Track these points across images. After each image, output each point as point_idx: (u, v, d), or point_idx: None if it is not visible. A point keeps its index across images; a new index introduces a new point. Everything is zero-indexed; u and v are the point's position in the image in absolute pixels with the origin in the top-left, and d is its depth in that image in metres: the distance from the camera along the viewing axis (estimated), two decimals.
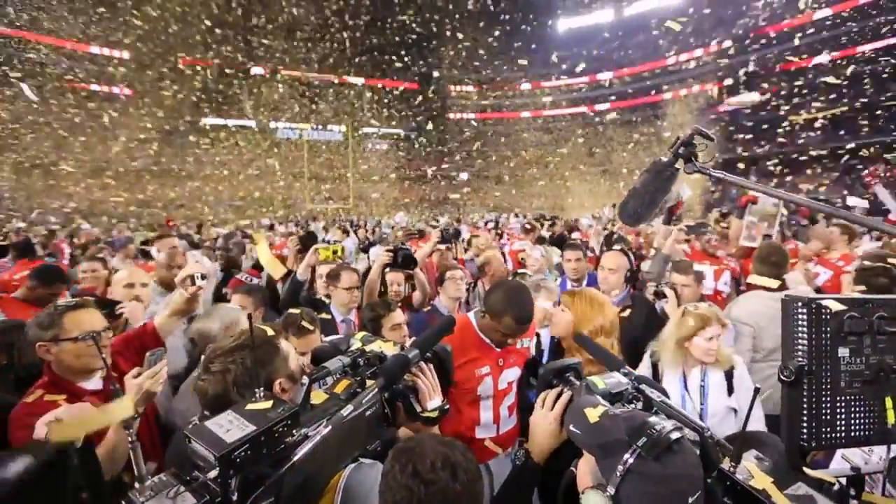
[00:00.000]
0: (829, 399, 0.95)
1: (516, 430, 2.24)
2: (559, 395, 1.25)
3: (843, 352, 0.96)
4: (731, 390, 2.29)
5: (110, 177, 27.51)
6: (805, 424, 0.95)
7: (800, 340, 0.96)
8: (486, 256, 4.08)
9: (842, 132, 26.67)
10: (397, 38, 41.16)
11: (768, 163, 28.53)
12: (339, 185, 35.44)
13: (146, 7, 29.50)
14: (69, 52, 29.05)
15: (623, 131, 36.42)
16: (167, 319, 2.05)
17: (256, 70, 37.21)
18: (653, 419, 1.01)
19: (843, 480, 1.13)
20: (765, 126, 29.44)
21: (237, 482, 0.84)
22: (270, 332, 1.28)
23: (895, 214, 4.33)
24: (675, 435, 0.96)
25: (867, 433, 0.97)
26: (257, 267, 4.46)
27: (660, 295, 2.88)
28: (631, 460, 0.95)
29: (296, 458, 0.89)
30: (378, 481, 1.06)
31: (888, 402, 0.96)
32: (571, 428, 1.07)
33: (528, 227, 7.32)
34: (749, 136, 30.19)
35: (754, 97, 27.61)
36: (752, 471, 0.94)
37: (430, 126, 42.79)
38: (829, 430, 0.96)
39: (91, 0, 28.92)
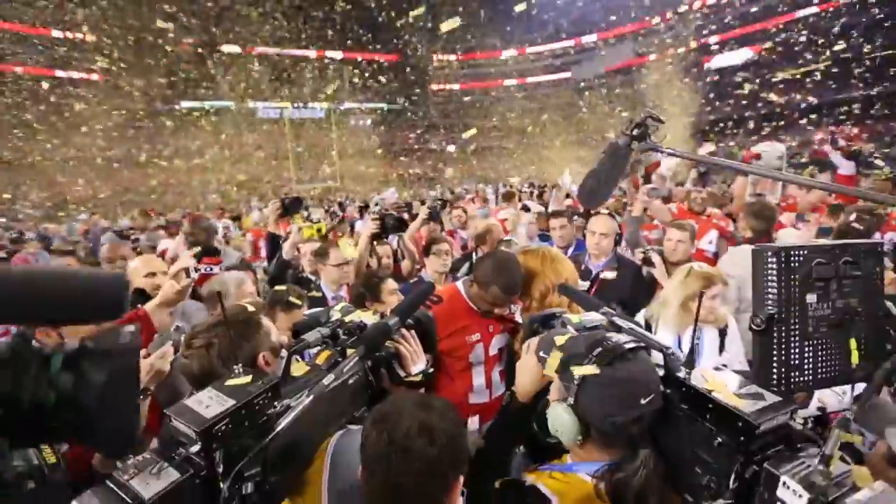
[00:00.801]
0: (797, 345, 0.98)
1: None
2: None
3: (811, 298, 0.99)
4: (722, 348, 2.34)
5: (85, 168, 26.64)
6: (775, 370, 0.98)
7: (770, 289, 0.98)
8: (486, 226, 4.05)
9: (833, 85, 26.53)
10: (376, 10, 39.69)
11: (752, 123, 28.49)
12: (324, 163, 34.83)
13: None
14: (24, 36, 27.58)
15: (607, 96, 35.98)
16: (155, 308, 2.08)
17: (231, 48, 35.80)
18: (612, 335, 1.10)
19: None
20: (756, 83, 29.18)
21: (221, 455, 0.85)
22: (251, 307, 1.28)
23: (844, 170, 4.38)
24: (629, 346, 1.05)
25: (832, 374, 1.01)
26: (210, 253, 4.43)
27: (648, 262, 2.88)
28: (586, 369, 1.03)
29: (279, 428, 0.91)
30: None
31: (852, 343, 0.99)
32: (541, 354, 1.16)
33: (506, 194, 7.32)
34: (737, 95, 29.97)
35: (743, 55, 27.34)
36: (706, 375, 0.99)
37: (412, 99, 41.92)
38: (797, 374, 0.99)
39: None
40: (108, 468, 1.21)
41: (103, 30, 29.17)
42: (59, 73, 27.96)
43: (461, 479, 0.96)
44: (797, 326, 0.98)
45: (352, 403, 1.13)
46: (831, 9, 27.00)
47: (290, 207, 4.27)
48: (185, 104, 33.95)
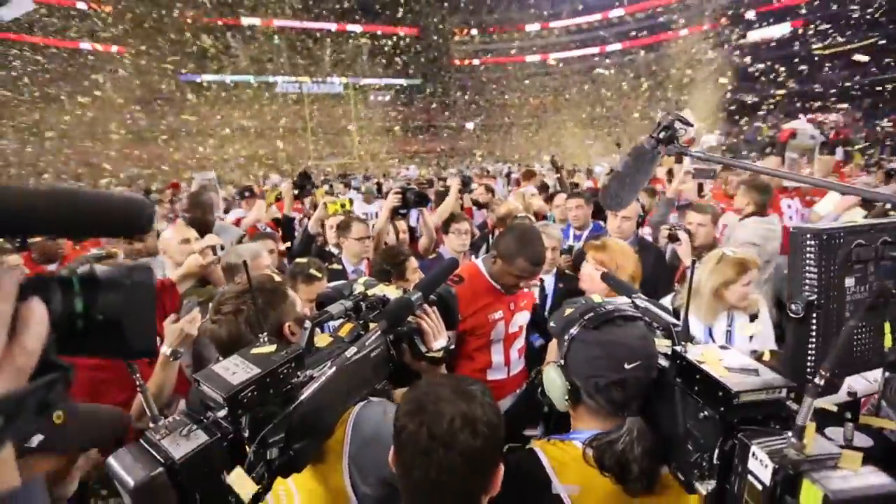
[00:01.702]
0: (835, 332, 0.93)
1: (525, 373, 2.29)
2: None
3: (850, 282, 0.94)
4: (752, 335, 2.27)
5: (109, 139, 27.07)
6: (811, 359, 0.94)
7: (809, 274, 0.93)
8: (507, 208, 4.05)
9: (871, 66, 25.13)
10: None
11: (788, 101, 27.23)
12: (342, 139, 34.75)
13: None
14: (54, 7, 27.81)
15: (633, 74, 34.74)
16: (179, 278, 2.19)
17: (251, 21, 35.53)
18: (610, 304, 1.11)
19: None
20: (795, 60, 27.75)
21: (247, 420, 0.87)
22: (276, 276, 1.29)
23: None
24: (622, 313, 1.06)
25: (866, 358, 0.97)
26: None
27: (673, 238, 2.81)
28: (575, 331, 1.07)
29: (303, 397, 0.92)
30: (384, 417, 1.10)
31: (887, 326, 0.95)
32: (551, 325, 1.19)
33: (526, 173, 7.23)
34: (771, 72, 28.58)
35: (783, 29, 25.90)
36: (704, 350, 0.98)
37: (432, 74, 41.19)
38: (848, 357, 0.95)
39: None
40: (144, 424, 1.27)
41: (125, 3, 29.23)
42: (83, 46, 28.21)
43: (501, 465, 0.94)
44: (836, 313, 0.94)
45: (374, 376, 1.14)
46: None
47: (302, 187, 4.29)
48: (206, 77, 34.04)
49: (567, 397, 1.07)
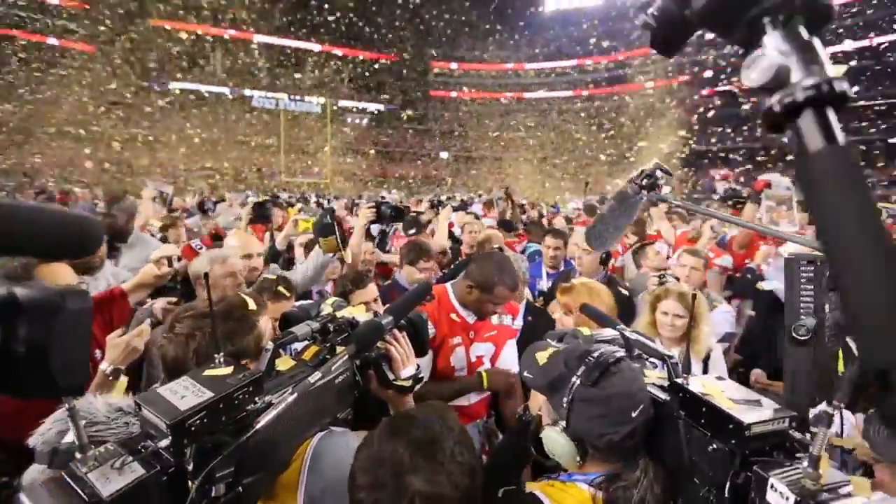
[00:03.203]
0: (824, 353, 0.99)
1: (485, 402, 2.25)
2: None
3: (828, 306, 1.00)
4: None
5: (74, 140, 25.77)
6: (811, 382, 0.99)
7: (805, 298, 0.99)
8: (486, 234, 4.11)
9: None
10: (381, 10, 39.79)
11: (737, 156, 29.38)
12: (315, 158, 34.49)
13: None
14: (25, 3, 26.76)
15: (601, 119, 36.67)
16: (132, 288, 2.06)
17: (231, 32, 35.32)
18: (594, 347, 1.08)
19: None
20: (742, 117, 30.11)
21: (192, 451, 0.78)
22: (252, 304, 1.20)
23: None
24: (612, 358, 1.03)
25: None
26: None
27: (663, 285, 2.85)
28: (573, 390, 1.01)
29: (259, 426, 0.83)
30: (347, 450, 1.01)
31: (839, 353, 1.01)
32: (525, 374, 1.15)
33: (487, 203, 7.48)
34: (732, 125, 30.86)
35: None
36: (703, 382, 0.98)
37: (410, 102, 41.99)
38: (831, 383, 1.00)
39: None
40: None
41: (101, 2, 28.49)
42: (52, 41, 27.12)
43: None
44: (823, 335, 0.99)
45: (337, 404, 1.06)
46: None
47: (261, 213, 4.16)
48: (177, 85, 33.27)
49: (579, 459, 1.03)
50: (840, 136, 0.33)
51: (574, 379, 1.02)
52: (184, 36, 32.63)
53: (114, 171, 24.88)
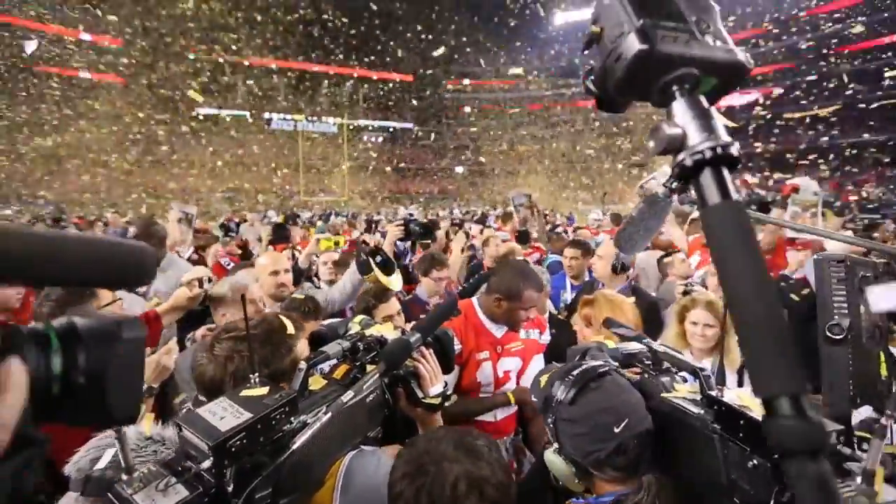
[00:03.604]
0: (862, 354, 0.95)
1: (512, 418, 2.22)
2: None
3: (863, 307, 0.96)
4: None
5: (105, 166, 27.03)
6: (853, 382, 0.95)
7: (838, 298, 0.96)
8: (508, 247, 4.13)
9: (835, 130, 26.96)
10: (393, 32, 40.77)
11: (762, 161, 28.74)
12: (333, 177, 35.18)
13: None
14: (56, 37, 28.35)
15: (614, 128, 36.51)
16: (166, 311, 2.10)
17: (252, 59, 36.64)
18: (578, 364, 1.06)
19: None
20: (760, 123, 29.55)
21: (232, 472, 0.79)
22: (291, 328, 1.22)
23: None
24: (594, 372, 1.00)
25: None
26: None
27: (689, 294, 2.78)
28: (556, 410, 1.00)
29: (295, 447, 0.84)
30: (380, 470, 1.02)
31: (881, 355, 0.97)
32: (532, 397, 1.14)
33: (505, 216, 7.43)
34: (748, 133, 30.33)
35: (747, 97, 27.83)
36: (739, 394, 0.93)
37: (424, 119, 42.62)
38: (872, 386, 0.95)
39: None
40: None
41: (127, 34, 29.99)
42: (84, 75, 28.58)
43: None
44: (860, 335, 0.95)
45: (368, 422, 1.07)
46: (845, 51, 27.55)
47: (280, 233, 4.24)
48: (203, 111, 34.57)
49: (577, 479, 1.01)
50: (734, 193, 0.38)
51: (555, 397, 1.00)
52: (206, 64, 33.97)
53: (142, 196, 25.91)
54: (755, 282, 0.36)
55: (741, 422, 0.88)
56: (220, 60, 34.76)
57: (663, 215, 1.21)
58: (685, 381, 1.10)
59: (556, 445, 1.01)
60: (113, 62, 29.61)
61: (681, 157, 0.39)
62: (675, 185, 1.19)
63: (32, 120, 25.85)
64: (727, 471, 0.90)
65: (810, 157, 26.60)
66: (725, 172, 0.38)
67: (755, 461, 0.84)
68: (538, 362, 2.24)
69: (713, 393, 0.95)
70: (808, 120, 27.38)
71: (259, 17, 34.86)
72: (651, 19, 0.41)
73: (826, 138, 27.30)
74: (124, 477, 0.75)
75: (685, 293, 2.74)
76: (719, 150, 0.38)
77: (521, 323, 2.07)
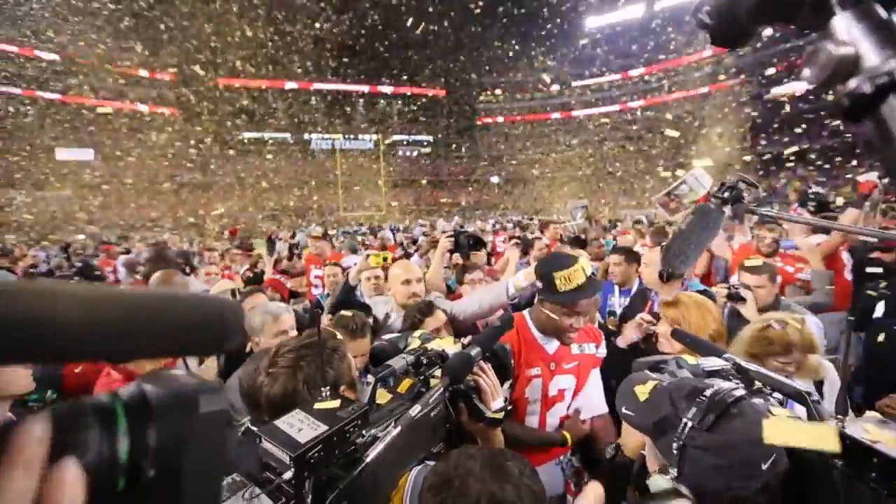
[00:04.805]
0: None
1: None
2: None
3: None
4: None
5: (158, 193, 29.06)
6: None
7: None
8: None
9: None
10: (424, 47, 41.67)
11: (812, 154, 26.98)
12: (371, 192, 36.09)
13: (187, 30, 31.28)
14: (119, 75, 30.99)
15: (655, 130, 35.45)
16: None
17: (290, 85, 38.48)
18: (705, 384, 0.94)
19: None
20: (811, 116, 27.80)
21: (310, 484, 0.82)
22: (339, 335, 1.26)
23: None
24: (730, 398, 0.88)
25: None
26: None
27: (734, 297, 2.56)
28: (684, 435, 0.87)
29: (367, 460, 0.86)
30: None
31: None
32: (623, 410, 1.02)
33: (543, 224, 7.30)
34: (798, 128, 28.58)
35: (802, 85, 26.21)
36: (867, 428, 0.81)
37: (459, 131, 43.08)
38: None
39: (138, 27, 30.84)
40: None
41: (181, 70, 32.36)
42: (140, 107, 31.09)
43: None
44: None
45: (432, 437, 1.07)
46: None
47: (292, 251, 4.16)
48: (247, 135, 36.57)
49: None
50: None
51: (685, 421, 0.88)
52: (249, 91, 36.06)
53: (194, 217, 27.60)
54: None
55: (874, 459, 0.76)
56: (262, 86, 36.75)
57: (716, 227, 1.15)
58: (782, 405, 0.98)
59: (673, 472, 0.89)
60: (165, 96, 32.03)
61: (853, 83, 0.31)
62: (726, 195, 1.14)
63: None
64: None
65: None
66: None
67: None
68: (595, 378, 2.11)
69: (832, 423, 0.83)
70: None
71: (292, 42, 36.66)
72: None
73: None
74: None
75: (729, 297, 2.56)
76: None
77: (568, 331, 1.88)
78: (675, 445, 0.88)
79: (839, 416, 0.84)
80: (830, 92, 0.33)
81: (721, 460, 0.85)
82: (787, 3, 0.35)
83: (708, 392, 0.90)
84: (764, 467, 0.83)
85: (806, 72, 0.33)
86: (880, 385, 2.52)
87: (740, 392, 0.90)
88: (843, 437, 0.81)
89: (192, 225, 26.32)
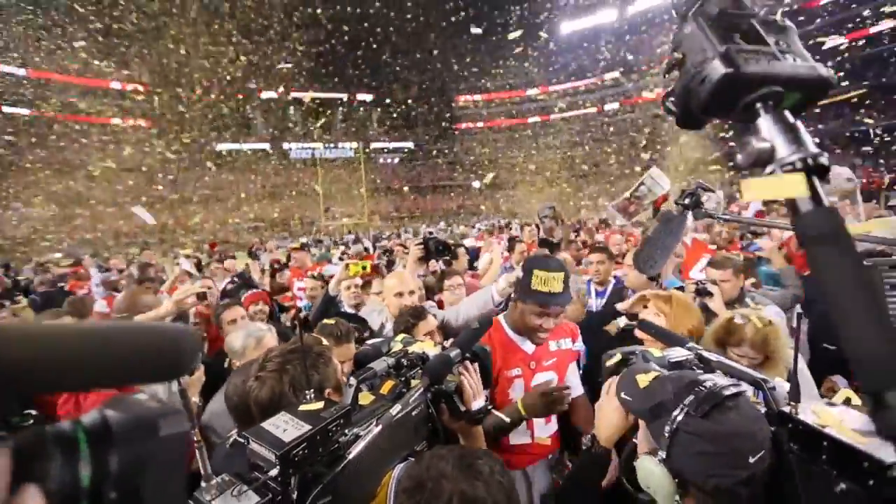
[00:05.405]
0: None
1: (555, 436, 2.14)
2: None
3: None
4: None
5: (130, 206, 28.30)
6: None
7: (893, 306, 1.00)
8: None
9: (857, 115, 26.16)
10: (402, 55, 41.86)
11: None
12: (352, 200, 35.90)
13: (161, 40, 30.77)
14: (87, 88, 30.27)
15: (630, 131, 36.25)
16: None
17: (268, 94, 38.16)
18: (704, 377, 0.97)
19: None
20: None
21: (296, 481, 0.86)
22: (324, 341, 1.30)
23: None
24: (728, 391, 0.91)
25: None
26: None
27: (703, 293, 2.63)
28: (678, 419, 0.90)
29: (349, 457, 0.90)
30: None
31: None
32: (623, 395, 1.05)
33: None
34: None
35: None
36: (816, 410, 0.86)
37: (438, 137, 43.26)
38: None
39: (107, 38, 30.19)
40: None
41: (154, 81, 31.78)
42: (116, 121, 30.39)
43: None
44: None
45: (414, 436, 1.12)
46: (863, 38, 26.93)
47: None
48: (224, 146, 36.03)
49: (679, 496, 0.92)
50: (825, 200, 0.41)
51: (681, 406, 0.91)
52: (225, 101, 35.58)
53: (174, 232, 27.00)
54: (855, 278, 0.38)
55: (824, 443, 0.80)
56: (239, 97, 36.33)
57: (679, 233, 1.23)
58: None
59: (661, 454, 0.92)
60: (141, 109, 31.38)
61: (770, 168, 0.42)
62: (687, 201, 1.23)
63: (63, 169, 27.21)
64: (809, 497, 0.83)
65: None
66: (816, 181, 0.41)
67: (843, 486, 0.77)
68: (573, 372, 2.16)
69: (787, 410, 0.88)
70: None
71: (270, 51, 36.40)
72: (733, 44, 0.44)
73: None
74: (203, 484, 0.83)
75: (697, 292, 2.64)
76: (810, 160, 0.40)
77: (539, 329, 1.90)
78: (667, 429, 0.91)
79: (792, 403, 0.89)
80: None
81: (710, 447, 0.87)
82: (726, 105, 0.45)
83: (707, 384, 0.93)
84: (751, 460, 0.85)
85: (739, 157, 0.44)
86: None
87: (739, 389, 0.93)
88: (794, 422, 0.87)
89: (166, 240, 25.73)
